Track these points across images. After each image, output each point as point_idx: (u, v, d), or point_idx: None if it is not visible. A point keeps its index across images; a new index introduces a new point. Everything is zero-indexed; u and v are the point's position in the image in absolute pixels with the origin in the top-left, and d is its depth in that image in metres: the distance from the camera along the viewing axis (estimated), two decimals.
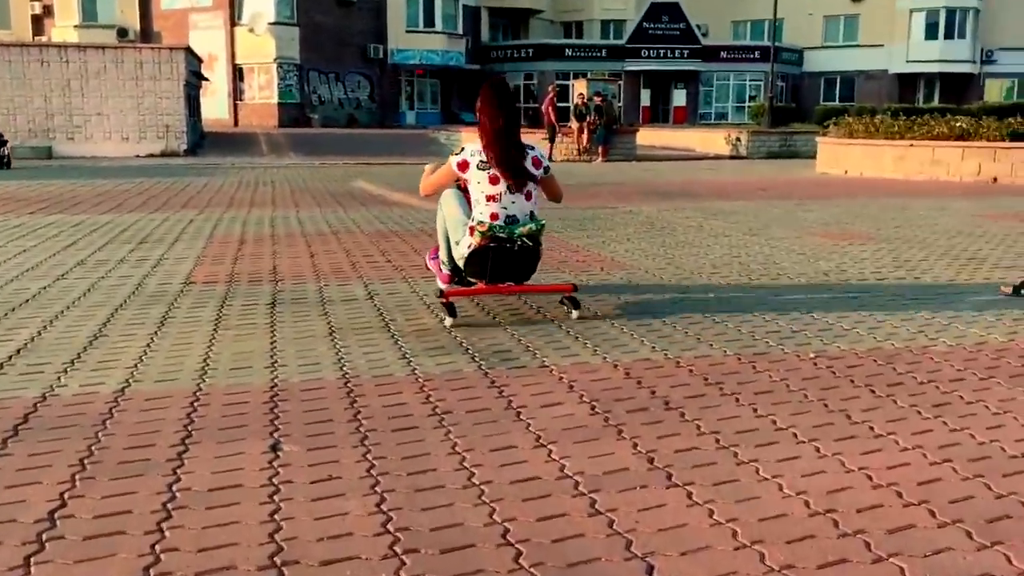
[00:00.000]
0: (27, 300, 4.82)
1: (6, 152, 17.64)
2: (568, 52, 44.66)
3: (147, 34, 38.45)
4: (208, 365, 3.57)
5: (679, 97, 45.59)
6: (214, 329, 4.19)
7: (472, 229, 4.28)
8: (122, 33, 37.17)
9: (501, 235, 4.26)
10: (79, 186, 12.87)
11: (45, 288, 5.17)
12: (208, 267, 5.99)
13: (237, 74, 38.01)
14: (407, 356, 3.71)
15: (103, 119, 22.70)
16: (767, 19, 35.03)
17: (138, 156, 22.09)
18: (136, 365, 3.56)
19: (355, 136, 30.69)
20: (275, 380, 3.37)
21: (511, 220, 4.33)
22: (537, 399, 3.15)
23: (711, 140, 27.17)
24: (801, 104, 43.85)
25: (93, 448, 2.67)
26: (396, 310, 4.62)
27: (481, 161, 4.30)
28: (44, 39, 36.69)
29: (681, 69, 44.55)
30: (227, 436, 2.77)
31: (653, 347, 3.87)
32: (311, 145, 26.50)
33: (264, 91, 37.68)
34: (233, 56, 37.67)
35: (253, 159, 22.01)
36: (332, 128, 35.63)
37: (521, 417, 2.96)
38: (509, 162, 4.28)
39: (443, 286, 4.66)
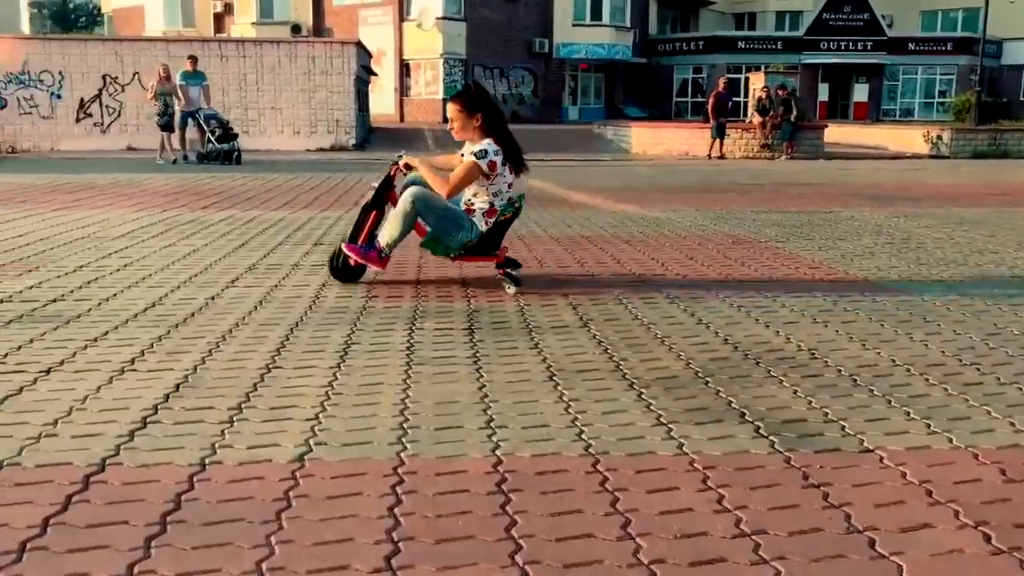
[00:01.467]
0: (192, 314, 4.17)
1: (237, 147, 16.58)
2: (741, 44, 42.55)
3: (319, 30, 39.17)
4: (407, 421, 2.73)
5: (860, 92, 42.63)
6: (407, 363, 3.37)
7: (493, 212, 4.86)
8: (295, 29, 38.03)
9: (519, 206, 5.00)
10: (251, 180, 12.64)
11: (213, 299, 4.53)
12: (390, 278, 5.24)
13: (404, 69, 38.19)
14: (662, 420, 2.76)
15: (276, 113, 22.91)
16: (961, 8, 32.10)
17: (308, 150, 22.15)
18: (317, 417, 2.76)
19: (518, 132, 29.89)
20: (497, 452, 2.49)
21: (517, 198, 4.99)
22: (888, 514, 2.12)
23: (905, 138, 24.87)
24: (1000, 99, 40.14)
25: (266, 568, 1.85)
26: (621, 344, 3.68)
27: (503, 157, 4.77)
28: (224, 36, 38.01)
29: (864, 62, 41.63)
30: (445, 558, 1.89)
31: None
32: None
33: (430, 86, 37.66)
34: (401, 51, 37.84)
35: (419, 155, 21.65)
36: None
37: (878, 549, 1.95)
38: (520, 154, 4.92)
39: (378, 269, 4.93)
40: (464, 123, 4.79)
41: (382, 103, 36.64)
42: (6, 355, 3.41)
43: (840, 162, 19.31)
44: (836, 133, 25.78)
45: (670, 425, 2.72)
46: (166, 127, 16.58)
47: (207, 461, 2.40)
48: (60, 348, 3.52)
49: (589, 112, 41.06)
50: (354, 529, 2.02)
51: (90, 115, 23.01)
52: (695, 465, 2.42)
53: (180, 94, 16.57)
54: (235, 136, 16.94)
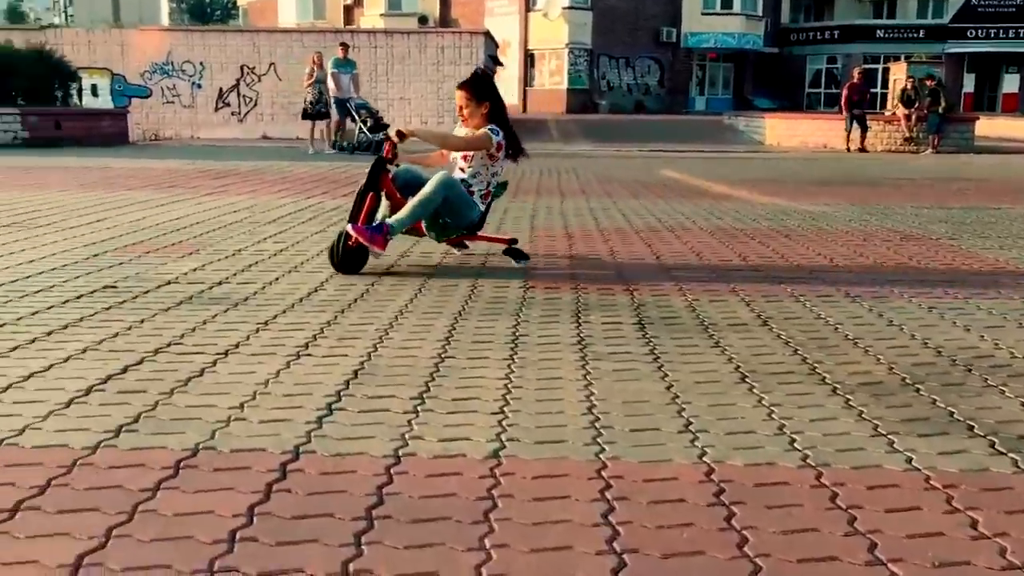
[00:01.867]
0: (355, 300, 4.13)
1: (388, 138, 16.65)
2: (879, 33, 40.82)
3: (445, 21, 39.55)
4: (598, 420, 2.57)
5: (1011, 82, 40.25)
6: (582, 359, 3.21)
7: (488, 194, 5.04)
8: (423, 20, 38.51)
9: (503, 190, 5.34)
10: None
11: (372, 285, 4.48)
12: (543, 267, 5.11)
13: (528, 60, 38.18)
14: (880, 431, 2.51)
15: (405, 103, 23.22)
16: None
17: None
18: (502, 411, 2.63)
19: (644, 122, 29.59)
20: (704, 459, 2.30)
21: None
22: None
23: None
24: None
25: (487, 574, 1.72)
26: (812, 345, 3.42)
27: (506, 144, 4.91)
28: (355, 27, 38.80)
29: (1016, 51, 39.28)
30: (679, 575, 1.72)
31: None
32: (601, 132, 25.71)
33: (554, 77, 37.56)
34: (526, 42, 37.86)
35: (545, 145, 21.52)
36: (619, 114, 34.76)
37: None
38: (519, 143, 5.10)
39: (379, 251, 4.69)
40: (473, 110, 4.85)
41: (505, 94, 36.59)
42: (183, 335, 3.42)
43: (992, 156, 18.17)
44: (985, 126, 24.33)
45: (890, 436, 2.46)
46: (319, 115, 16.47)
47: (401, 453, 2.30)
48: (233, 330, 3.52)
49: (716, 103, 40.13)
50: (571, 536, 1.87)
51: (228, 104, 23.86)
52: (932, 483, 2.17)
53: (332, 82, 16.36)
54: (386, 126, 16.53)
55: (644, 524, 1.93)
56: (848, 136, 19.61)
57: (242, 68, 23.47)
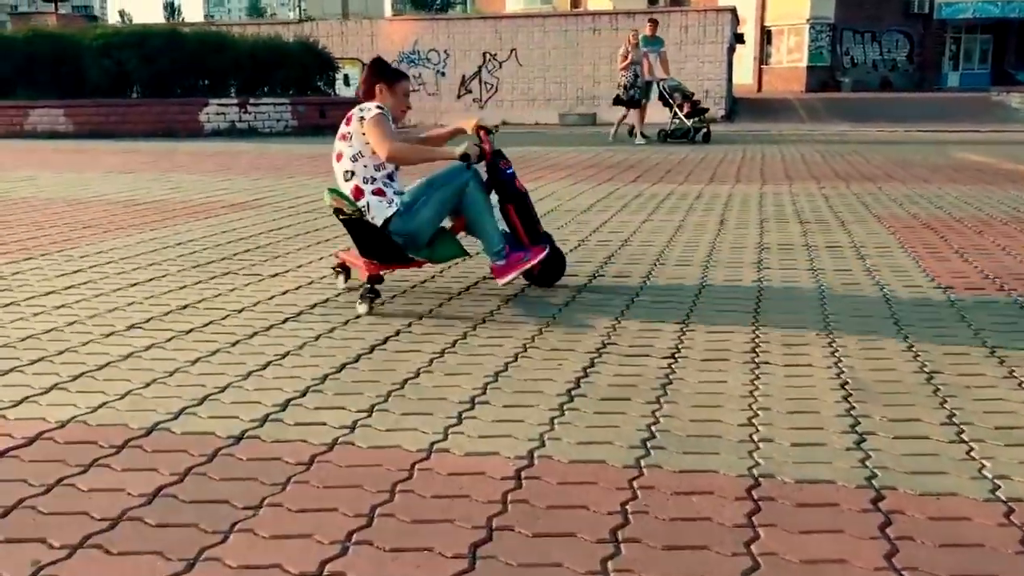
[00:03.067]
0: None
1: (706, 123, 14.67)
2: None
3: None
4: (756, 431, 2.33)
5: None
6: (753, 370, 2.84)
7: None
8: (652, 0, 37.81)
9: None
10: (627, 153, 12.49)
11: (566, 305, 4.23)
12: (935, 263, 4.57)
13: (765, 37, 36.66)
14: None
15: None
16: None
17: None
18: (653, 414, 2.28)
19: (896, 100, 27.60)
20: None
21: None
22: None
23: None
24: None
25: None
26: None
27: None
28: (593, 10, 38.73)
29: None
30: None
31: None
32: (851, 111, 24.19)
33: (793, 54, 35.85)
34: (762, 18, 36.35)
35: (796, 127, 20.47)
36: (863, 92, 32.65)
37: None
38: None
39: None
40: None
41: (740, 72, 35.41)
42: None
43: None
44: None
45: None
46: (632, 103, 14.45)
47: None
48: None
49: (971, 78, 36.87)
50: None
51: (470, 91, 24.42)
52: None
53: (645, 62, 14.48)
54: (704, 110, 15.10)
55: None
56: None
57: (484, 55, 23.96)
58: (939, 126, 18.78)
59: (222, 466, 2.14)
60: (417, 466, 2.13)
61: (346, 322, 3.48)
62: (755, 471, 2.07)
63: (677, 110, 14.43)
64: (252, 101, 17.33)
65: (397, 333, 3.32)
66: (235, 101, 17.25)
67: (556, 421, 2.42)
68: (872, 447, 2.22)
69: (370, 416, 2.47)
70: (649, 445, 2.24)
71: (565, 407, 2.52)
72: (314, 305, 3.76)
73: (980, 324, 3.37)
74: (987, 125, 19.31)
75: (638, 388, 2.67)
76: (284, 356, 3.03)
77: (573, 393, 2.64)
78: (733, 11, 23.71)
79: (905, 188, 7.98)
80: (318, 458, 2.19)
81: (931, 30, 36.90)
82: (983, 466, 2.11)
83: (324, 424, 2.41)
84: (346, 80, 24.28)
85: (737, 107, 25.61)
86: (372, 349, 3.11)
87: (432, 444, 2.26)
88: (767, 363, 2.91)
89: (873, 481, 2.02)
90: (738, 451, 2.19)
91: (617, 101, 14.79)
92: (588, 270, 4.43)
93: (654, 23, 15.22)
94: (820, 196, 7.43)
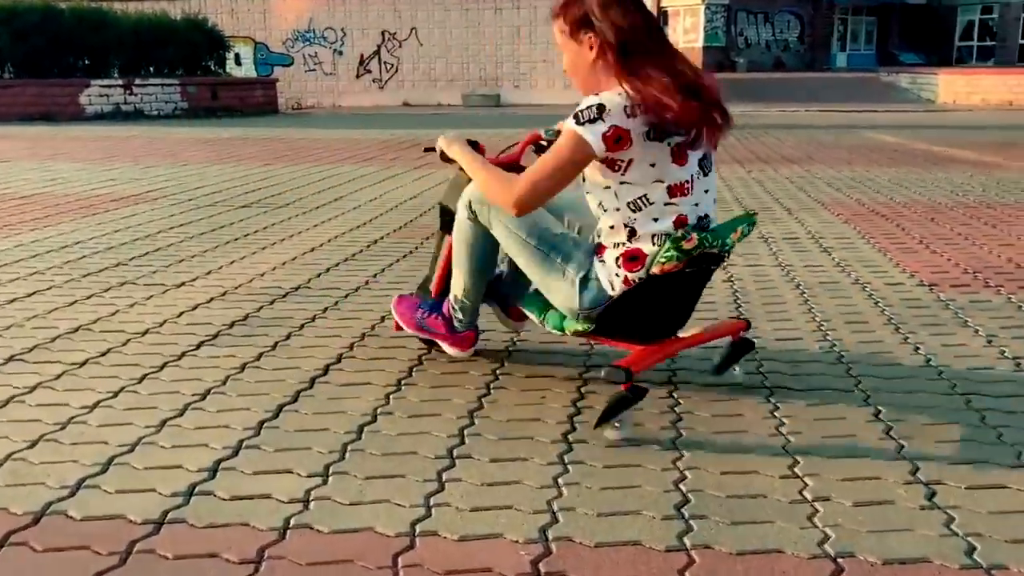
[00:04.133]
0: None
1: None
2: None
3: None
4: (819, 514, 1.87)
5: None
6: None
7: (637, 254, 2.15)
8: None
9: (712, 249, 2.14)
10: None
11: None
12: (905, 256, 4.34)
13: (662, 17, 36.80)
14: None
15: (548, 67, 22.51)
16: None
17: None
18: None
19: (790, 81, 27.97)
20: None
21: (705, 221, 2.22)
22: None
23: None
24: None
25: None
26: None
27: (650, 124, 2.06)
28: None
29: None
30: None
31: None
32: (748, 91, 24.35)
33: (689, 35, 36.07)
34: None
35: None
36: (757, 72, 33.10)
37: None
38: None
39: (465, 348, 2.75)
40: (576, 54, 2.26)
41: None
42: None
43: None
44: None
45: None
46: None
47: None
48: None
49: (858, 59, 38.02)
50: None
51: (369, 71, 23.64)
52: None
53: None
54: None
55: None
56: None
57: (383, 34, 23.20)
58: (837, 106, 19.05)
59: (140, 571, 1.61)
60: (400, 560, 1.65)
61: (274, 345, 2.95)
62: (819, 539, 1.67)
63: None
64: (138, 82, 16.21)
65: (339, 359, 2.80)
66: (119, 82, 16.10)
67: (561, 480, 1.96)
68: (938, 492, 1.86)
69: (326, 483, 1.95)
70: (685, 513, 1.81)
71: (566, 459, 2.07)
72: (232, 323, 3.20)
73: (989, 330, 3.08)
74: (882, 105, 19.72)
75: (645, 426, 2.25)
76: (204, 396, 2.48)
77: (571, 438, 2.19)
78: None
79: (833, 171, 7.81)
80: (268, 551, 1.68)
81: (821, 11, 37.76)
82: None
83: (269, 497, 1.89)
84: (237, 59, 23.13)
85: None
86: (312, 383, 2.59)
87: (414, 524, 1.77)
88: (782, 387, 2.53)
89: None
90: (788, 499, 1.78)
91: None
92: None
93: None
94: (753, 181, 7.18)
